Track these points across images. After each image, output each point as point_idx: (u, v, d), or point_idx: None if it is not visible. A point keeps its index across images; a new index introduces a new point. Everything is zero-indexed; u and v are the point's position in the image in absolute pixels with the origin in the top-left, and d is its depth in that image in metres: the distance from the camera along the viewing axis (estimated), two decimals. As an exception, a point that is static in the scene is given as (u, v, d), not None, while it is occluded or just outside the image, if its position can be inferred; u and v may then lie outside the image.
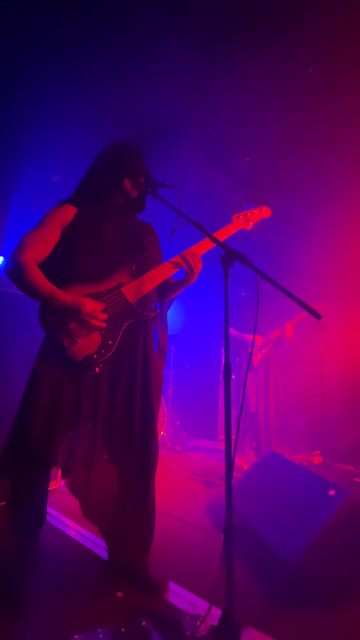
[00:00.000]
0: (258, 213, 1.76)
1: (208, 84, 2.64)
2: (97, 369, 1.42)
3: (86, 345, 1.39)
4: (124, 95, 2.75)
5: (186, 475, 3.07)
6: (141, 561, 1.52)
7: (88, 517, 1.52)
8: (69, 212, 1.52)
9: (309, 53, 2.34)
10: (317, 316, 1.15)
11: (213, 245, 1.55)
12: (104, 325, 1.41)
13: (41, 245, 1.45)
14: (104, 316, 1.41)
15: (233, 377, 3.66)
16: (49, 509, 2.06)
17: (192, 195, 2.16)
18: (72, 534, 1.91)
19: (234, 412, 3.30)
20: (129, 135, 2.56)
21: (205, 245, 1.60)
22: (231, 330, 3.54)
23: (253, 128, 2.97)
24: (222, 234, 1.66)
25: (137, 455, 1.47)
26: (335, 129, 2.87)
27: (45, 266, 1.44)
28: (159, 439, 3.69)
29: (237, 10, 2.13)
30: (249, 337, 3.46)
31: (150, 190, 1.52)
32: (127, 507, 1.47)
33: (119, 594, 1.43)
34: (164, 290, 1.69)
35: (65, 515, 2.09)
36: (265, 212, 1.78)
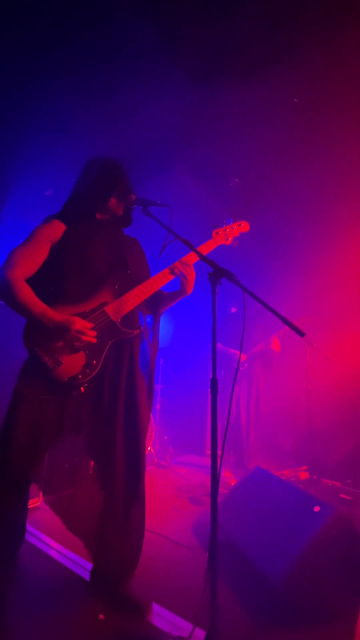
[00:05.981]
0: (237, 228, 1.79)
1: (198, 109, 2.75)
2: (82, 388, 1.41)
3: (71, 365, 1.38)
4: (118, 113, 2.83)
5: (173, 492, 3.02)
6: (123, 582, 1.49)
7: (72, 531, 1.49)
8: (58, 230, 1.51)
9: (294, 85, 2.48)
10: (301, 334, 1.18)
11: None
12: (94, 340, 1.41)
13: (30, 261, 1.45)
14: (94, 333, 1.41)
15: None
16: (30, 528, 2.00)
17: (182, 212, 2.21)
18: (53, 554, 1.86)
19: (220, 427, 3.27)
20: (121, 152, 2.63)
21: (196, 255, 1.59)
22: (217, 344, 3.55)
23: (241, 150, 3.08)
24: (204, 249, 1.69)
25: (120, 474, 1.45)
26: (320, 150, 3.01)
27: (32, 283, 1.43)
28: (145, 454, 3.66)
29: (225, 45, 2.26)
30: (233, 351, 3.48)
31: (142, 209, 1.53)
32: (111, 527, 1.45)
33: (101, 616, 1.39)
34: (158, 303, 1.69)
35: (46, 534, 2.03)
36: (244, 226, 1.81)
